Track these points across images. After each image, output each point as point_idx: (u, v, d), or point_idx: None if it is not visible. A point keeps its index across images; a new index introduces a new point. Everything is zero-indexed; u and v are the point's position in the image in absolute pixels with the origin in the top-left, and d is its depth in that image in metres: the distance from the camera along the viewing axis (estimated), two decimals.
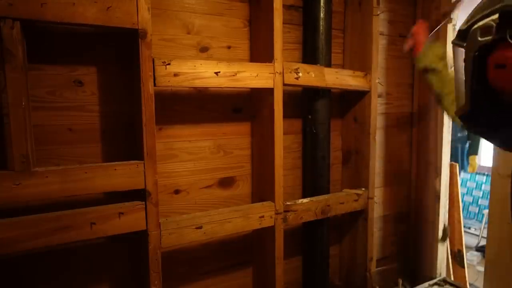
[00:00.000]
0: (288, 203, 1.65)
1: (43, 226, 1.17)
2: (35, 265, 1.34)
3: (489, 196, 1.93)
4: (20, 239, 1.14)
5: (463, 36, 0.89)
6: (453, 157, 2.90)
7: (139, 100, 1.28)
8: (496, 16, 0.79)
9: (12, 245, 1.14)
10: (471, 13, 0.90)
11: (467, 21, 0.90)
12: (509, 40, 0.76)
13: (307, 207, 1.71)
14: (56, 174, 1.18)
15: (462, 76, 0.99)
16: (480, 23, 0.83)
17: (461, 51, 0.95)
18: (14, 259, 1.30)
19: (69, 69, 1.34)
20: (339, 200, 1.83)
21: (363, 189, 1.91)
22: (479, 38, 0.82)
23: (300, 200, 1.71)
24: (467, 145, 4.25)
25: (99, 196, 1.38)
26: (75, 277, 1.42)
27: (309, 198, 1.75)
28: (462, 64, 0.96)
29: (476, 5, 0.91)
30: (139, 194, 1.33)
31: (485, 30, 0.81)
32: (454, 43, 0.97)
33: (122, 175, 1.27)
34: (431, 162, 2.22)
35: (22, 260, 1.32)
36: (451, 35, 2.11)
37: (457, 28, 2.09)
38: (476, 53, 0.84)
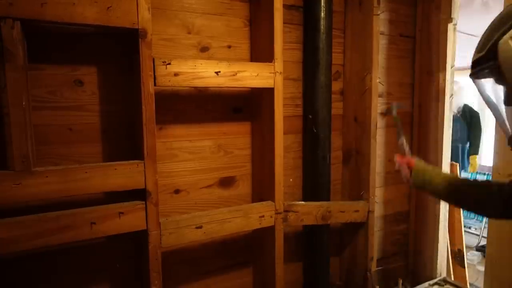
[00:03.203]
0: (288, 203, 1.65)
1: (43, 226, 1.17)
2: (35, 265, 1.34)
3: None
4: (20, 239, 1.14)
5: (488, 57, 0.86)
6: (454, 157, 2.90)
7: (139, 99, 1.28)
8: None
9: (12, 245, 1.14)
10: (485, 36, 0.87)
11: (484, 44, 0.87)
12: None
13: (308, 209, 1.71)
14: (56, 174, 1.18)
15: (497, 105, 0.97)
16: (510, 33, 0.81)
17: (484, 83, 0.94)
18: (14, 259, 1.30)
19: (69, 69, 1.34)
20: (340, 209, 1.82)
21: (364, 201, 1.89)
22: None
23: (300, 202, 1.71)
24: (468, 145, 4.25)
25: (99, 196, 1.38)
26: (75, 277, 1.42)
27: (310, 202, 1.75)
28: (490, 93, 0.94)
29: (487, 28, 0.88)
30: (139, 194, 1.33)
31: None
32: (476, 72, 0.92)
33: (122, 175, 1.27)
34: (431, 162, 2.22)
35: (22, 260, 1.32)
36: (451, 34, 2.11)
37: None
38: None
